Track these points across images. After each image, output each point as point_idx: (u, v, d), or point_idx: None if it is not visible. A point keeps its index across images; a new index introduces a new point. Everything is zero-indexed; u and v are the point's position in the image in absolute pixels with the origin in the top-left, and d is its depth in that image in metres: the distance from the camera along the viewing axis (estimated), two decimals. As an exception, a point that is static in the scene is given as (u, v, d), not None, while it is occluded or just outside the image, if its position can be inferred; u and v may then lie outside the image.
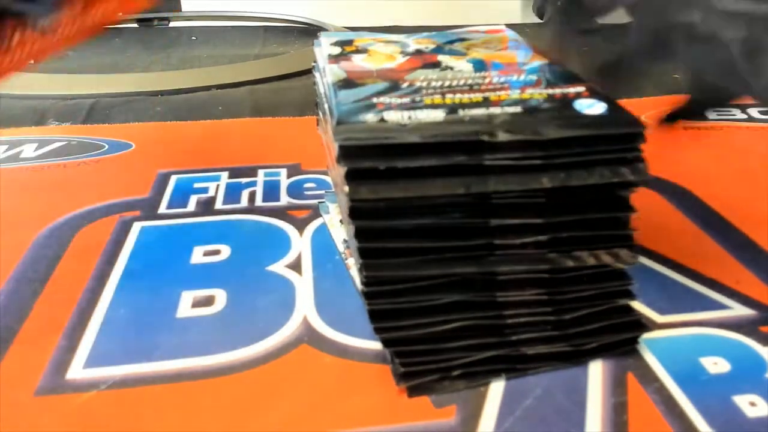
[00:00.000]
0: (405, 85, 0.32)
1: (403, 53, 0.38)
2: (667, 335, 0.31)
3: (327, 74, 0.34)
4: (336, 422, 0.26)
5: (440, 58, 0.37)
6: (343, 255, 0.38)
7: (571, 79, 0.31)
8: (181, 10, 1.03)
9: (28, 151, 0.55)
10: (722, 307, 0.33)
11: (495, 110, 0.28)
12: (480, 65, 0.36)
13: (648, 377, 0.28)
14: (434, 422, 0.26)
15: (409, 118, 0.27)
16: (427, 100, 0.29)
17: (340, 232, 0.39)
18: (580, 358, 0.29)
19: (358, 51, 0.38)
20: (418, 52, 0.38)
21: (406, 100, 0.29)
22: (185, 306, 0.34)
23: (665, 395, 0.27)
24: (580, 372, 0.29)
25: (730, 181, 0.48)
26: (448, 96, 0.30)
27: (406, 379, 0.28)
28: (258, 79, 0.74)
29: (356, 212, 0.27)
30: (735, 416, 0.26)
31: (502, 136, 0.26)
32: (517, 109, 0.28)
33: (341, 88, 0.31)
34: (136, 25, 1.03)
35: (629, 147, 0.27)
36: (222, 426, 0.26)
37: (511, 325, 0.29)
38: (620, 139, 0.27)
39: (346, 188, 0.26)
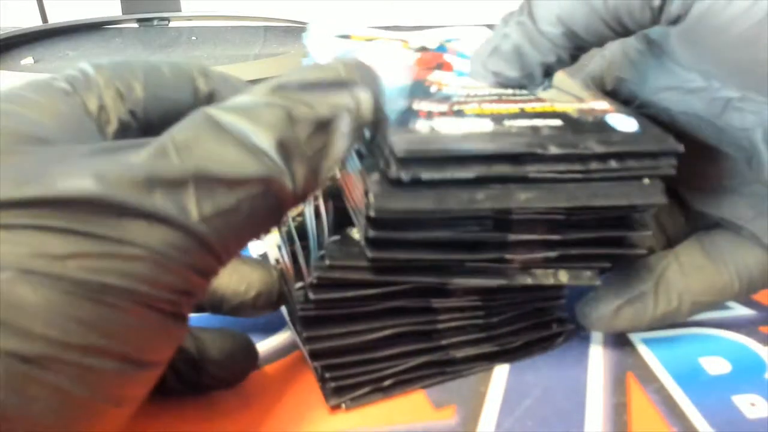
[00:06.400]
0: (433, 89, 0.31)
1: (411, 49, 0.37)
2: (667, 335, 0.31)
3: None
4: (336, 423, 0.26)
5: (448, 58, 0.36)
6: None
7: (588, 92, 0.31)
8: (181, 10, 1.03)
9: (28, 151, 0.55)
10: (722, 307, 0.33)
11: (536, 122, 0.27)
12: None
13: (648, 377, 0.28)
14: (434, 422, 0.26)
15: (459, 128, 0.26)
16: (469, 110, 0.28)
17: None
18: (505, 356, 0.29)
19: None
20: (424, 49, 0.38)
21: (444, 107, 0.28)
22: (185, 306, 0.34)
23: (665, 395, 0.27)
24: (580, 372, 0.29)
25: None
26: (485, 106, 0.29)
27: (337, 395, 0.27)
28: (258, 80, 0.74)
29: (378, 223, 0.26)
30: (735, 416, 0.26)
31: (554, 150, 0.25)
32: (557, 122, 0.27)
33: None
34: (136, 25, 1.03)
35: (665, 164, 0.26)
36: (221, 426, 0.26)
37: (442, 330, 0.28)
38: (657, 156, 0.26)
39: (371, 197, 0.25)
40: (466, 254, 0.27)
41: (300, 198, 0.21)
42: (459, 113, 0.28)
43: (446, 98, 0.30)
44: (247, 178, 0.19)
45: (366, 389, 0.27)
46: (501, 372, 0.29)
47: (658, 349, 0.30)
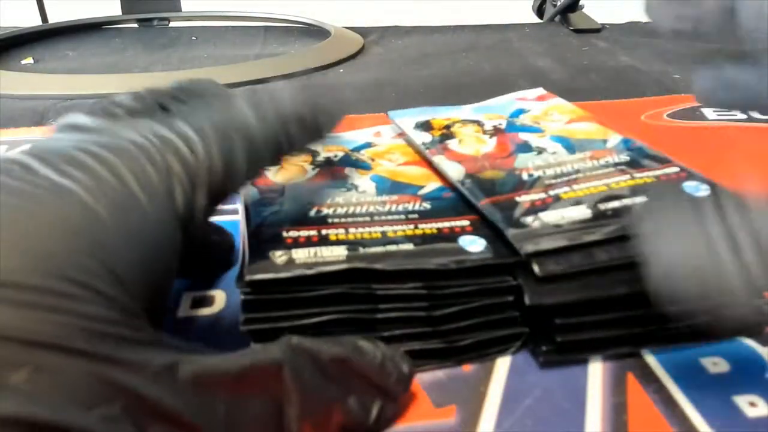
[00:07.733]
0: (524, 176, 0.33)
1: (486, 132, 0.38)
2: (667, 335, 0.31)
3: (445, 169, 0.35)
4: (336, 422, 0.26)
5: (524, 137, 0.38)
6: None
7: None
8: (181, 10, 1.03)
9: (28, 151, 0.55)
10: (722, 307, 0.33)
11: (626, 202, 0.31)
12: (567, 144, 0.37)
13: (648, 377, 0.28)
14: (434, 422, 0.26)
15: (563, 216, 0.30)
16: (564, 195, 0.31)
17: None
18: (455, 355, 0.29)
19: (446, 135, 0.38)
20: (497, 129, 0.39)
21: (542, 195, 0.31)
22: (185, 306, 0.34)
23: (665, 395, 0.27)
24: (580, 372, 0.29)
25: (729, 182, 0.48)
26: (575, 187, 0.32)
27: None
28: (258, 79, 0.74)
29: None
30: (735, 416, 0.26)
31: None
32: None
33: (480, 190, 0.32)
34: (136, 25, 1.03)
35: None
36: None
37: (383, 320, 0.28)
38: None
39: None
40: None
41: None
42: (557, 200, 0.31)
43: (539, 183, 0.33)
44: None
45: None
46: (501, 372, 0.29)
47: (658, 349, 0.30)
